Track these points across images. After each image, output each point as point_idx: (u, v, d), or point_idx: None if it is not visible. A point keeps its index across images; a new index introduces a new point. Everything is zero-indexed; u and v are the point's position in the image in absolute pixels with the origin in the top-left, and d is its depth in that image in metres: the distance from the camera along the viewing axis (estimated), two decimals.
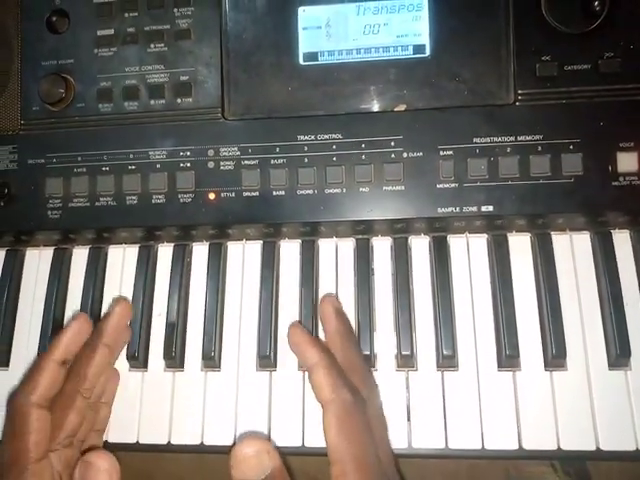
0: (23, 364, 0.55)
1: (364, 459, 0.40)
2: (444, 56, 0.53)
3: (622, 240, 0.52)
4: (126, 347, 0.54)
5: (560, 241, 0.52)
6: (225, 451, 0.51)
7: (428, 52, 0.53)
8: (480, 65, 0.52)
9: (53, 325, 0.55)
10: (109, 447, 0.52)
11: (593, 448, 0.47)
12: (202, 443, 0.51)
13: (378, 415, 0.46)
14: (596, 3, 0.50)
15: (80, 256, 0.58)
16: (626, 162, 0.50)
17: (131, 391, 0.53)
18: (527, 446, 0.47)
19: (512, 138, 0.51)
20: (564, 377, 0.49)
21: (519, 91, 0.52)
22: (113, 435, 0.52)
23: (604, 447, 0.47)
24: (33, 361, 0.53)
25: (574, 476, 0.60)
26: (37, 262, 0.58)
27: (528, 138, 0.51)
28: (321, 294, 0.53)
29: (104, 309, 0.56)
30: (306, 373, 0.51)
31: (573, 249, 0.52)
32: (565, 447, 0.47)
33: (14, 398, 0.45)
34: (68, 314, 0.56)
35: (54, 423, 0.45)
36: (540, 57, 0.52)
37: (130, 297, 0.55)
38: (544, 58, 0.52)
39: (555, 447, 0.47)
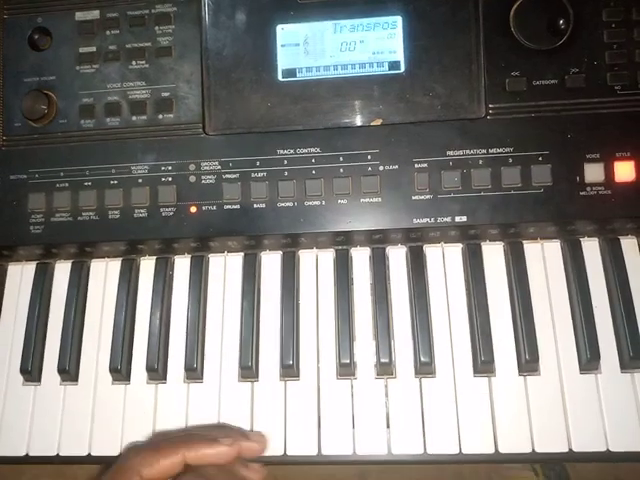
0: (4, 381, 0.55)
1: None
2: (418, 72, 0.54)
3: (591, 247, 0.54)
4: (109, 361, 0.54)
5: (532, 249, 0.54)
6: None
7: (403, 68, 0.55)
8: (452, 81, 0.54)
9: (35, 339, 0.55)
10: (90, 461, 0.52)
11: (566, 450, 0.48)
12: None
13: None
14: (561, 21, 0.53)
15: (62, 270, 0.58)
16: (593, 173, 0.53)
17: (113, 405, 0.53)
18: (503, 450, 0.49)
19: (484, 151, 0.53)
20: (537, 381, 0.51)
21: (490, 105, 0.54)
22: (96, 449, 0.52)
23: (576, 448, 0.48)
24: (174, 434, 0.49)
25: (554, 479, 0.61)
26: (19, 277, 0.58)
27: (499, 150, 0.53)
28: (302, 304, 0.54)
29: (86, 322, 0.56)
30: (287, 383, 0.52)
31: (544, 257, 0.54)
32: (539, 449, 0.49)
33: (132, 454, 0.43)
34: (50, 328, 0.56)
35: None
36: (510, 73, 0.54)
37: (113, 310, 0.56)
38: (513, 74, 0.54)
39: (530, 450, 0.49)
